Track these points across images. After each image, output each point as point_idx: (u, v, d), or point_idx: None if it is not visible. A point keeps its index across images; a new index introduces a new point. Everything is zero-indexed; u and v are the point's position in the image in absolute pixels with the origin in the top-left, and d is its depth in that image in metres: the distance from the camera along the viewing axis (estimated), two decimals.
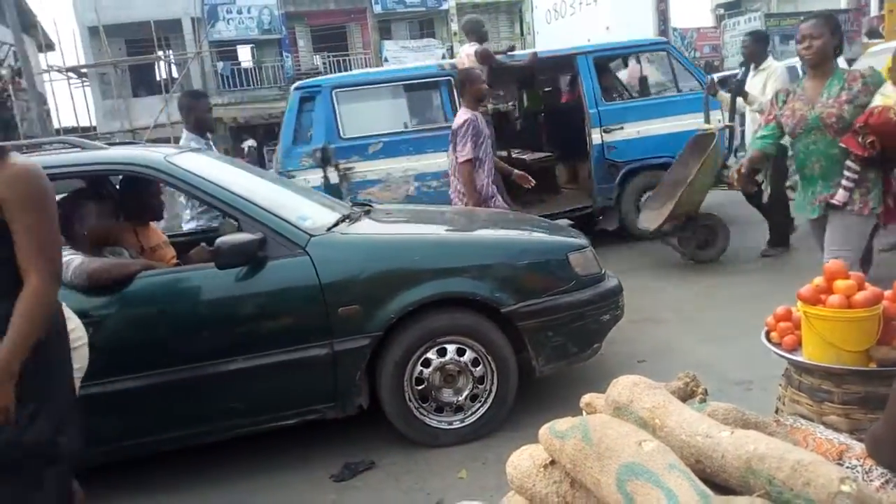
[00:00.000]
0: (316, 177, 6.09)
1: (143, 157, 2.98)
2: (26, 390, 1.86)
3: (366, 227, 3.30)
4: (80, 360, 2.12)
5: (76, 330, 2.13)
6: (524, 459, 1.45)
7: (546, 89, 8.70)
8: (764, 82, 5.43)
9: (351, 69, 24.45)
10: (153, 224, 3.64)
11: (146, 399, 2.78)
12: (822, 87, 3.16)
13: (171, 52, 23.32)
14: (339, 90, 6.27)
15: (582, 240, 3.40)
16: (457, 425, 3.05)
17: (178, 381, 2.78)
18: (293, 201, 3.38)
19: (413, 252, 3.05)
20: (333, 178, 6.13)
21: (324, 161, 6.09)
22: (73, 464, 2.01)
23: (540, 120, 8.70)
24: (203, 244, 3.63)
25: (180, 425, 2.89)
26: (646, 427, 1.34)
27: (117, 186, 3.58)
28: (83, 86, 22.68)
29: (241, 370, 2.79)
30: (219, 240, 2.72)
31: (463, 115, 4.54)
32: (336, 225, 3.12)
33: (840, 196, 3.11)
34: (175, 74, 23.03)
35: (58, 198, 2.49)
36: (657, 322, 4.33)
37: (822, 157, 3.16)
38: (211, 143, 4.71)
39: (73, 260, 2.72)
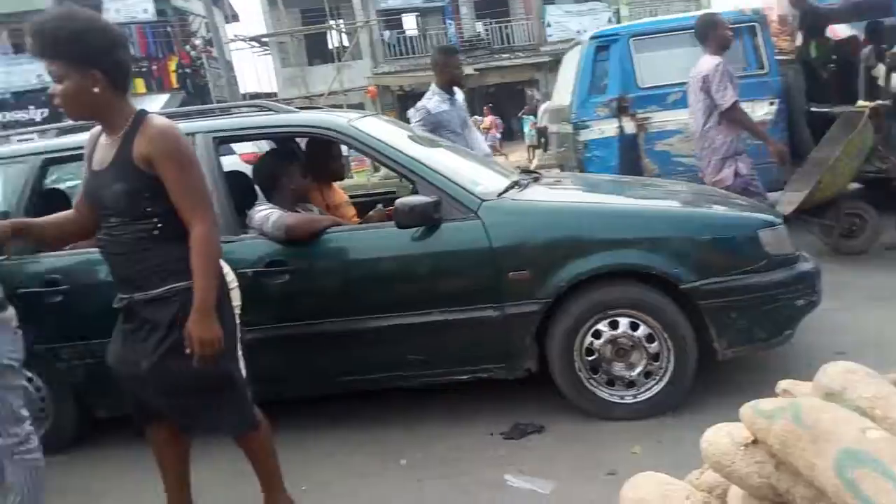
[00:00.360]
0: (611, 127, 5.91)
1: (329, 120, 3.18)
2: None
3: (536, 194, 3.30)
4: (236, 299, 2.36)
5: (229, 274, 2.37)
6: (722, 437, 1.39)
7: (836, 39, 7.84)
8: None
9: (513, 36, 24.34)
10: (335, 184, 3.88)
11: (332, 343, 3.00)
12: None
13: (341, 21, 24.39)
14: (636, 38, 6.01)
15: (774, 216, 3.17)
16: (629, 400, 2.99)
17: (360, 330, 2.97)
18: (465, 167, 3.44)
19: (584, 221, 3.01)
20: (629, 128, 5.91)
21: (619, 111, 5.89)
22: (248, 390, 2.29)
23: (826, 71, 7.78)
24: (380, 205, 3.80)
25: (363, 370, 3.08)
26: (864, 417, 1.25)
27: (303, 148, 3.85)
28: (264, 54, 24.37)
29: (417, 324, 2.93)
30: (398, 201, 2.84)
31: (710, 59, 4.29)
32: (506, 191, 3.14)
33: None
34: (346, 43, 24.08)
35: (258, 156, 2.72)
36: (857, 311, 3.93)
37: None
38: (457, 98, 4.62)
39: (272, 213, 2.96)
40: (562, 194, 3.54)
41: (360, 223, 3.57)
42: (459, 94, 4.69)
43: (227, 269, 2.35)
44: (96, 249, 2.27)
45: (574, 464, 2.71)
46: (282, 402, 3.22)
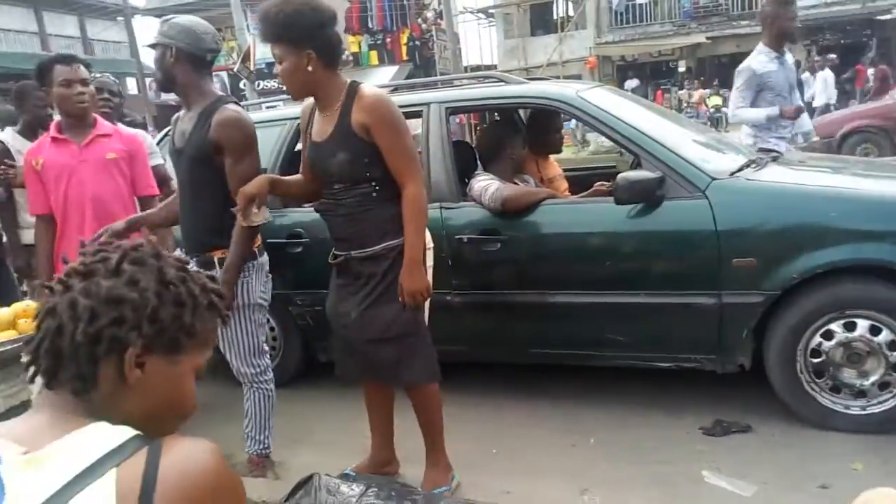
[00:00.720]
0: None
1: (558, 92, 3.13)
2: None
3: (774, 175, 3.01)
4: (429, 259, 2.44)
5: (427, 235, 2.43)
6: None
7: None
8: None
9: (756, 3, 22.21)
10: (551, 157, 3.86)
11: (533, 313, 3.04)
12: None
13: None
14: None
15: None
16: (855, 411, 2.68)
17: (566, 304, 2.97)
18: (696, 142, 3.24)
19: (829, 207, 2.68)
20: None
21: None
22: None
23: None
24: (600, 182, 3.72)
25: (561, 344, 3.09)
26: None
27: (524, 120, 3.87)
28: (489, 26, 24.82)
29: (626, 304, 2.85)
30: (620, 175, 2.76)
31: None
32: (740, 170, 2.91)
33: None
34: (571, 12, 23.68)
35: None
36: None
37: None
38: (786, 59, 4.22)
39: (490, 185, 3.04)
40: (803, 176, 3.20)
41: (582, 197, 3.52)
42: (789, 55, 4.28)
43: (426, 232, 2.46)
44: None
45: (780, 471, 2.51)
46: (482, 370, 3.35)
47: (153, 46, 2.47)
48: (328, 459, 2.77)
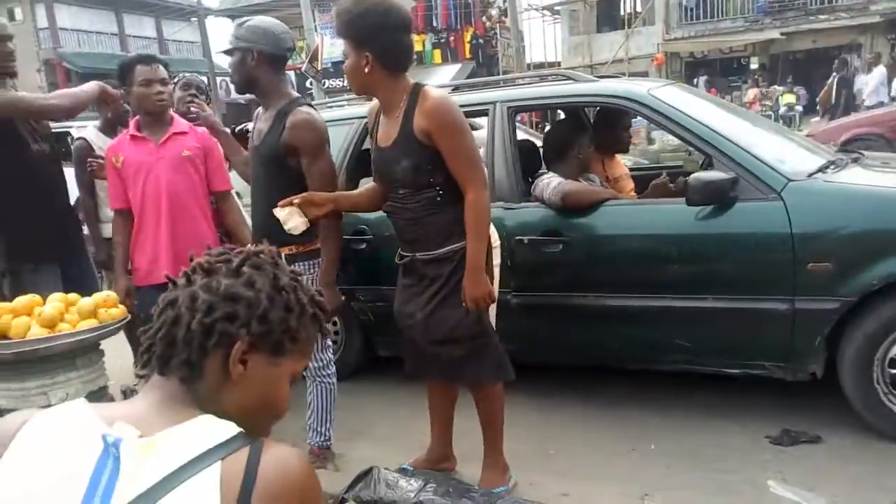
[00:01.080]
0: None
1: (628, 90, 3.07)
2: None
3: (855, 177, 2.89)
4: (496, 258, 2.45)
5: (493, 234, 2.45)
6: None
7: None
8: None
9: None
10: (618, 156, 3.80)
11: (595, 316, 3.00)
12: None
13: None
14: None
15: None
16: None
17: (628, 307, 2.91)
18: (772, 142, 3.13)
19: None
20: None
21: None
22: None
23: None
24: (665, 175, 3.63)
25: (627, 347, 3.04)
26: None
27: (591, 118, 3.81)
28: (554, 23, 24.56)
29: (692, 308, 2.78)
30: (693, 176, 2.68)
31: None
32: (819, 171, 2.79)
33: None
34: (639, 8, 23.20)
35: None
36: None
37: None
38: None
39: (553, 180, 3.01)
40: (886, 178, 3.06)
41: (641, 196, 3.46)
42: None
43: (492, 229, 2.46)
44: None
45: (851, 484, 2.41)
46: (539, 373, 3.33)
47: (231, 52, 2.53)
48: (387, 453, 2.80)
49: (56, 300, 2.43)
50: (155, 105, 2.83)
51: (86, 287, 2.77)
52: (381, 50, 2.20)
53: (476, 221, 2.23)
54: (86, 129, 3.77)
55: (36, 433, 0.89)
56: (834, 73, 13.17)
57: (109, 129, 3.60)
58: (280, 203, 2.44)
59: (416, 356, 2.53)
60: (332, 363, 2.73)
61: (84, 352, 2.38)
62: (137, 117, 2.92)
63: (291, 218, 2.44)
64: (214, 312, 0.96)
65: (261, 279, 1.00)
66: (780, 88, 18.50)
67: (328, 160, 2.57)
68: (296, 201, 2.42)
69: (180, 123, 2.96)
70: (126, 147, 2.88)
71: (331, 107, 4.29)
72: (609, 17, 24.37)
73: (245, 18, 2.58)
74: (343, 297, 2.59)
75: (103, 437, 0.87)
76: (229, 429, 0.91)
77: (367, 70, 2.21)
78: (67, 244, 3.14)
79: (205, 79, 4.02)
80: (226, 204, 3.03)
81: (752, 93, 18.43)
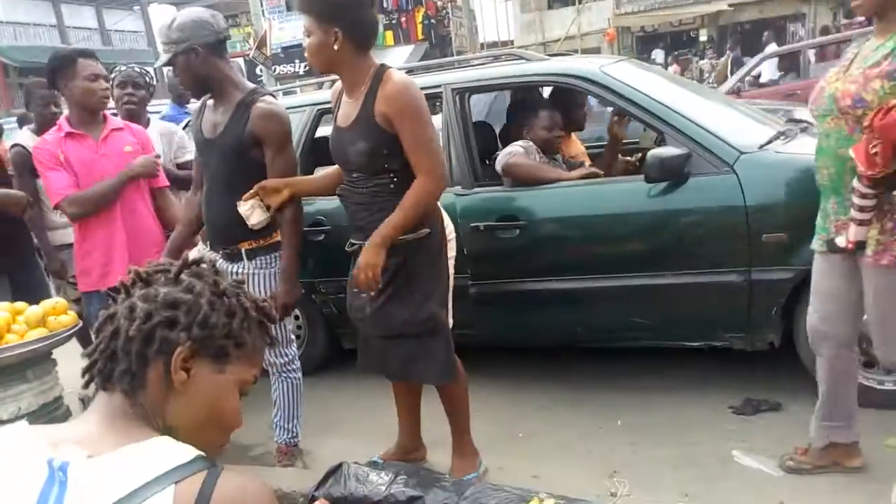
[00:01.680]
0: None
1: (579, 68, 3.06)
2: (420, 278, 2.25)
3: (805, 146, 2.92)
4: (451, 250, 2.42)
5: (448, 226, 2.41)
6: None
7: None
8: None
9: None
10: (574, 135, 3.80)
11: (556, 299, 2.99)
12: (871, 51, 1.99)
13: None
14: None
15: None
16: (889, 387, 2.64)
17: (588, 289, 2.92)
18: (723, 115, 3.16)
19: None
20: None
21: None
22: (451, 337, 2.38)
23: None
24: (624, 157, 3.65)
25: (589, 328, 3.05)
26: None
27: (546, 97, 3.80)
28: (506, 1, 24.45)
29: (652, 285, 2.80)
30: (650, 153, 2.69)
31: None
32: (769, 143, 2.83)
33: (852, 234, 1.98)
34: None
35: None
36: None
37: (831, 161, 2.05)
38: None
39: (510, 148, 3.06)
40: None
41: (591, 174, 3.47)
42: None
43: (447, 221, 2.43)
44: None
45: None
46: (504, 354, 3.34)
47: (172, 61, 2.38)
48: (356, 447, 2.78)
49: (2, 309, 2.34)
50: (100, 101, 2.73)
51: (37, 297, 2.66)
52: (351, 25, 2.13)
53: (413, 202, 2.15)
54: (20, 134, 3.57)
55: None
56: (728, 52, 13.33)
57: (42, 130, 3.43)
58: (243, 197, 2.37)
59: (367, 351, 2.49)
60: (297, 358, 2.69)
61: (35, 362, 2.31)
62: (66, 115, 2.80)
63: (254, 212, 2.39)
64: (153, 318, 0.93)
65: (200, 285, 0.98)
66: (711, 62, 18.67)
67: (291, 152, 2.51)
68: (252, 191, 2.35)
69: (114, 120, 2.87)
70: (65, 144, 2.73)
71: (285, 94, 4.22)
72: None
73: (168, 21, 2.42)
74: (303, 292, 2.54)
75: (48, 463, 0.83)
76: (187, 452, 0.87)
77: (335, 47, 2.13)
78: (16, 254, 3.01)
79: (151, 69, 3.84)
80: (164, 201, 2.95)
81: (704, 65, 18.61)
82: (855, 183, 1.93)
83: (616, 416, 2.89)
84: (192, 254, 2.68)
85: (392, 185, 2.22)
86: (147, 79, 3.54)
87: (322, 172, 2.62)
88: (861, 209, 1.95)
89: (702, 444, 2.60)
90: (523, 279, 3.02)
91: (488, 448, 2.63)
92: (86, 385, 0.98)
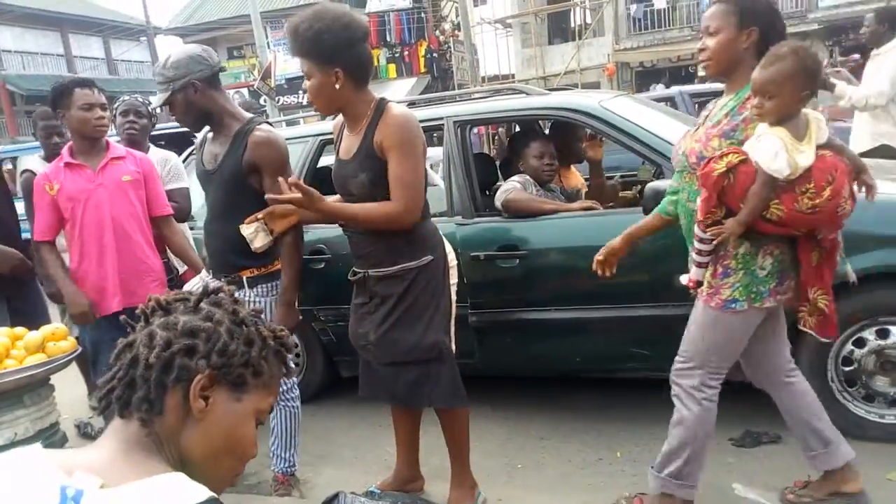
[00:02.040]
0: None
1: (579, 102, 3.10)
2: (424, 305, 2.27)
3: None
4: (453, 277, 2.44)
5: (450, 254, 2.44)
6: None
7: None
8: (877, 69, 4.05)
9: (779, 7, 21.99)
10: (574, 167, 3.84)
11: (555, 329, 3.00)
12: (718, 109, 2.15)
13: None
14: None
15: None
16: (890, 420, 2.63)
17: (588, 319, 2.93)
18: None
19: (860, 213, 2.60)
20: None
21: None
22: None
23: None
24: (624, 191, 3.68)
25: (589, 358, 3.05)
26: None
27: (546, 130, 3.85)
28: (507, 35, 24.85)
29: (652, 316, 2.81)
30: (648, 185, 2.70)
31: None
32: None
33: (692, 274, 2.17)
34: (588, 20, 23.65)
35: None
36: None
37: (685, 213, 2.21)
38: None
39: (507, 185, 3.08)
40: None
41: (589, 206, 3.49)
42: None
43: (448, 248, 2.45)
44: None
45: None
46: (504, 384, 3.33)
47: (170, 99, 2.40)
48: (353, 475, 2.77)
49: (1, 335, 2.34)
50: (94, 130, 2.75)
51: (36, 321, 2.66)
52: (350, 63, 2.16)
53: (368, 212, 2.21)
54: (30, 160, 3.63)
55: None
56: None
57: (54, 158, 3.48)
58: (246, 220, 2.39)
59: (370, 378, 2.49)
60: (296, 386, 2.69)
61: (32, 388, 2.29)
62: (70, 144, 2.84)
63: (258, 236, 2.41)
64: (172, 346, 0.94)
65: (219, 313, 0.99)
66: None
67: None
68: (260, 216, 2.38)
69: (116, 148, 2.88)
70: (61, 174, 2.76)
71: (288, 124, 4.26)
72: (560, 30, 24.77)
73: (162, 61, 2.45)
74: (301, 318, 2.55)
75: (62, 490, 0.82)
76: (200, 492, 0.87)
77: (337, 87, 2.16)
78: (14, 278, 3.00)
79: (154, 99, 3.90)
80: (168, 229, 2.96)
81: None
82: (695, 229, 2.08)
83: (616, 447, 2.87)
84: (194, 281, 2.68)
85: None
86: (150, 108, 3.58)
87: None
88: (699, 252, 2.10)
89: (701, 477, 2.57)
90: (523, 308, 3.03)
91: (487, 479, 2.61)
92: (101, 412, 0.98)
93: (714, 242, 2.04)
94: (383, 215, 2.20)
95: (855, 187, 2.01)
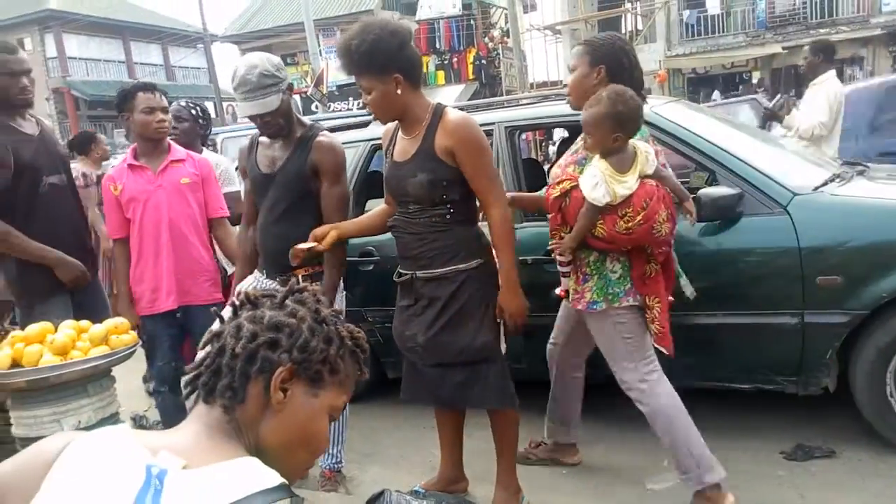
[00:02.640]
0: None
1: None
2: (474, 307, 2.29)
3: (861, 189, 2.88)
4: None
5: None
6: None
7: None
8: (813, 99, 4.59)
9: (837, 7, 21.46)
10: None
11: None
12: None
13: (638, 3, 23.70)
14: None
15: None
16: None
17: None
18: (777, 157, 3.14)
19: None
20: None
21: None
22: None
23: None
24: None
25: None
26: None
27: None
28: (556, 42, 24.76)
29: (702, 325, 2.76)
30: (701, 192, 2.67)
31: None
32: (824, 184, 2.80)
33: (562, 284, 2.48)
34: (640, 26, 23.38)
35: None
36: None
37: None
38: None
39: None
40: (892, 190, 3.05)
41: None
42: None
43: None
44: None
45: (868, 498, 2.40)
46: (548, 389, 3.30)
47: (272, 97, 2.40)
48: (398, 475, 2.80)
49: (68, 327, 2.45)
50: (156, 132, 2.86)
51: (97, 315, 2.77)
52: (406, 67, 2.21)
53: (506, 236, 2.27)
54: (75, 164, 3.74)
55: (78, 459, 0.89)
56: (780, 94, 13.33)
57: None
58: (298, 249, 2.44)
59: (414, 380, 2.50)
60: None
61: (96, 378, 2.39)
62: (135, 145, 2.95)
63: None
64: (258, 339, 0.99)
65: (303, 311, 1.04)
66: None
67: (345, 183, 2.61)
68: (304, 247, 2.43)
69: (177, 151, 2.98)
70: (124, 175, 2.88)
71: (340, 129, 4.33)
72: None
73: (260, 64, 2.43)
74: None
75: (147, 469, 0.87)
76: (273, 477, 0.91)
77: (399, 92, 2.21)
78: (75, 288, 3.09)
79: (211, 104, 4.02)
80: (223, 231, 3.04)
81: None
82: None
83: (662, 454, 2.82)
84: (248, 281, 2.76)
85: (448, 216, 2.28)
86: (193, 112, 3.62)
87: (367, 213, 2.69)
88: (560, 264, 2.41)
89: (752, 490, 2.52)
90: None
91: (532, 483, 2.61)
92: (187, 396, 1.04)
93: (555, 255, 2.38)
94: (504, 224, 2.27)
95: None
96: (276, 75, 2.44)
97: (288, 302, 1.06)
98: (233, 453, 0.93)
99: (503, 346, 2.41)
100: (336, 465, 2.75)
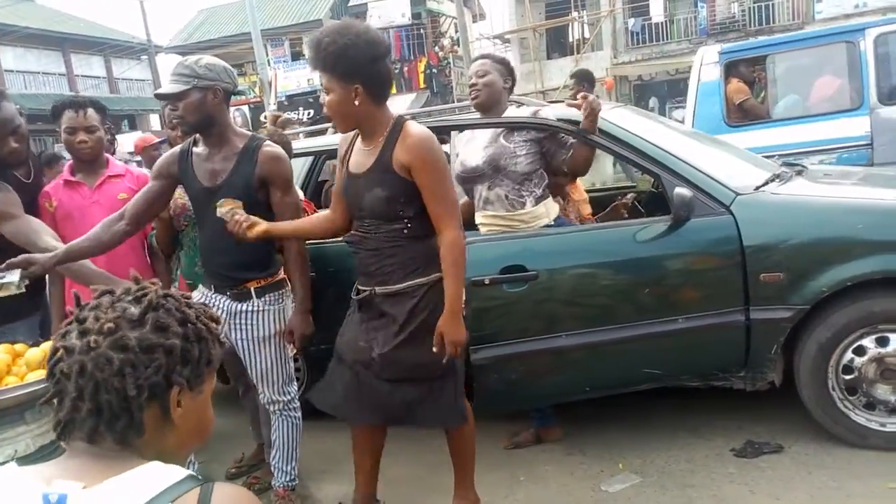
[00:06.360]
0: None
1: (574, 113, 3.09)
2: (433, 322, 2.21)
3: (799, 188, 2.97)
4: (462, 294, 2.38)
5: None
6: None
7: None
8: None
9: (773, 15, 22.22)
10: (578, 181, 3.83)
11: (565, 356, 2.83)
12: None
13: (584, 12, 24.14)
14: None
15: None
16: (891, 428, 2.62)
17: (594, 343, 2.78)
18: (718, 158, 3.21)
19: (856, 219, 2.65)
20: None
21: None
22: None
23: None
24: (624, 198, 3.68)
25: (597, 381, 2.91)
26: None
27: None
28: (505, 51, 25.02)
29: (652, 334, 2.74)
30: (677, 191, 2.64)
31: None
32: (765, 184, 2.87)
33: None
34: (587, 35, 23.82)
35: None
36: None
37: None
38: None
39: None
40: (830, 189, 3.16)
41: (598, 219, 3.50)
42: None
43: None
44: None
45: (815, 492, 2.45)
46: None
47: (185, 94, 2.35)
48: (353, 491, 2.74)
49: (2, 352, 2.34)
50: (79, 152, 2.78)
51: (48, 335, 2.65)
52: (371, 81, 2.14)
53: (455, 262, 2.15)
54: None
55: None
56: None
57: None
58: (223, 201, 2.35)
59: (358, 394, 2.37)
60: (297, 398, 2.68)
61: (33, 405, 2.29)
62: (71, 161, 2.86)
63: (233, 217, 2.32)
64: (139, 369, 0.92)
65: (167, 320, 0.97)
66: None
67: (296, 193, 2.59)
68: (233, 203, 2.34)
69: (116, 166, 2.90)
70: (60, 191, 2.79)
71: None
72: (558, 44, 24.96)
73: (194, 58, 2.46)
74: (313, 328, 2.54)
75: (45, 497, 0.83)
76: (177, 472, 0.90)
77: (357, 103, 2.14)
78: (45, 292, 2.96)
79: (156, 117, 3.92)
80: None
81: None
82: None
83: (618, 459, 2.86)
84: (194, 296, 2.68)
85: (406, 231, 2.21)
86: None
87: (307, 217, 2.66)
88: None
89: (704, 487, 2.57)
90: (526, 339, 2.80)
91: (490, 491, 2.60)
92: (61, 438, 0.94)
93: None
94: (456, 249, 2.16)
95: None
96: (196, 70, 2.36)
97: (147, 315, 0.95)
98: (130, 465, 0.91)
99: (461, 364, 2.36)
100: (290, 483, 2.69)
